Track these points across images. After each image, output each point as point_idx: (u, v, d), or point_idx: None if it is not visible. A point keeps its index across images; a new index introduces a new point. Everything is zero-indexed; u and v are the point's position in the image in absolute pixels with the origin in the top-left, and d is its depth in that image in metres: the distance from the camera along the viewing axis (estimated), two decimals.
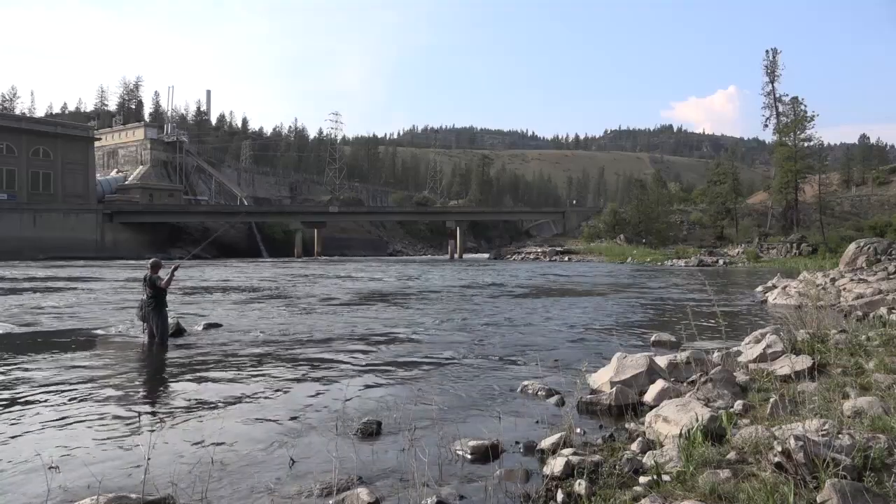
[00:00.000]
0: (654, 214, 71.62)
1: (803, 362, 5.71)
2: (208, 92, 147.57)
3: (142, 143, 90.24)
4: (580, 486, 3.40)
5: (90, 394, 6.46)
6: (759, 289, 19.47)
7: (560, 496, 3.41)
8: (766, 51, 70.39)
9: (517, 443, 4.62)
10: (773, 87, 67.94)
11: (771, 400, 4.54)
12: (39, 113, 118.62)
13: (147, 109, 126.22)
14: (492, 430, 4.65)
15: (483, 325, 12.14)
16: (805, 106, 63.50)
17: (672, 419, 4.33)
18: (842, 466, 2.95)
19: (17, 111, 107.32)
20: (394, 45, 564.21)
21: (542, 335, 10.85)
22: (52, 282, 25.02)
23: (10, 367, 7.80)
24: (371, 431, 4.98)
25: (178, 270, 9.94)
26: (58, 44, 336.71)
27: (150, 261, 9.79)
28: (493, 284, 25.25)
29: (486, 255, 75.71)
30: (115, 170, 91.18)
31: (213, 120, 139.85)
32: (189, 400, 6.22)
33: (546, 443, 4.33)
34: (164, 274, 9.60)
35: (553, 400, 6.02)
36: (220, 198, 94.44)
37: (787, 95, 66.84)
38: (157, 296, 9.41)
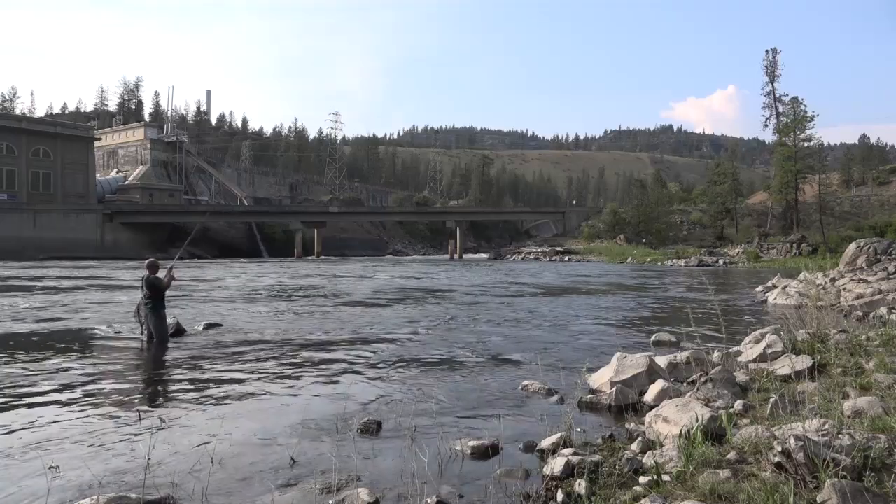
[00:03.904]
0: (654, 214, 71.66)
1: (803, 362, 5.71)
2: (208, 92, 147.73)
3: (142, 143, 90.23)
4: (580, 485, 3.40)
5: (90, 394, 6.46)
6: (759, 289, 19.46)
7: (560, 496, 3.41)
8: (766, 51, 70.53)
9: (517, 442, 4.62)
10: (773, 87, 68.03)
11: (771, 400, 4.54)
12: (39, 113, 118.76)
13: (147, 109, 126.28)
14: (492, 429, 4.66)
15: (483, 325, 12.14)
16: (805, 106, 63.55)
17: (672, 419, 4.33)
18: (842, 466, 2.95)
19: (17, 111, 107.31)
20: (394, 45, 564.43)
21: (543, 334, 10.85)
22: (52, 281, 25.02)
23: (10, 368, 7.80)
24: (371, 431, 4.99)
25: (175, 271, 9.94)
26: (58, 44, 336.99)
27: (147, 261, 9.77)
28: (493, 284, 25.25)
29: (486, 255, 75.66)
30: (115, 170, 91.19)
31: (213, 120, 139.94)
32: (189, 400, 6.22)
33: (546, 442, 4.33)
34: (161, 275, 9.60)
35: (553, 399, 6.02)
36: (220, 198, 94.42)
37: (787, 95, 66.93)
38: (155, 296, 9.40)
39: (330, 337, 10.56)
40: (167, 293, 9.87)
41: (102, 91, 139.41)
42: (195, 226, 56.87)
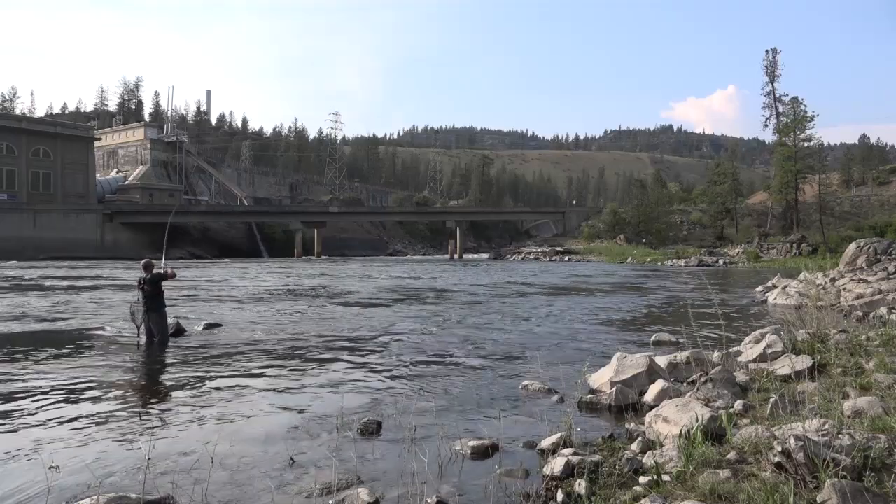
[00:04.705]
0: (654, 214, 71.69)
1: (803, 362, 5.71)
2: (208, 92, 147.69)
3: (142, 143, 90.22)
4: (580, 485, 3.40)
5: (90, 394, 6.46)
6: (760, 289, 19.47)
7: (560, 496, 3.41)
8: (766, 51, 70.48)
9: (517, 442, 4.62)
10: (773, 87, 67.96)
11: (771, 400, 4.54)
12: (39, 113, 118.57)
13: (147, 109, 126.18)
14: (492, 429, 4.66)
15: (483, 325, 12.15)
16: (805, 106, 63.50)
17: (672, 419, 4.33)
18: (842, 466, 2.95)
19: (17, 111, 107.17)
20: (394, 45, 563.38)
21: (542, 335, 10.85)
22: (52, 281, 25.02)
23: (10, 367, 7.80)
24: (371, 431, 4.99)
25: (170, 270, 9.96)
26: (58, 44, 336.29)
27: (143, 262, 9.74)
28: (493, 284, 25.25)
29: (486, 255, 75.70)
30: (115, 170, 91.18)
31: (213, 120, 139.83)
32: (189, 400, 6.22)
33: (546, 442, 4.33)
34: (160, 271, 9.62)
35: (553, 399, 6.03)
36: (220, 198, 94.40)
37: (787, 95, 66.82)
38: (156, 295, 9.41)
39: (330, 337, 10.55)
40: (168, 293, 9.88)
41: (102, 91, 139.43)
42: (197, 226, 56.84)
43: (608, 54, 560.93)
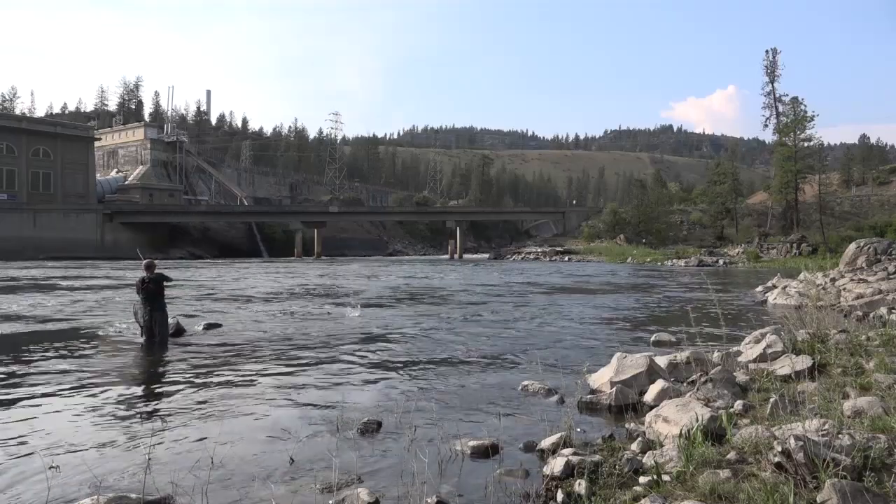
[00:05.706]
0: (654, 214, 71.70)
1: (803, 362, 5.71)
2: (208, 92, 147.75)
3: (142, 143, 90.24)
4: (580, 485, 3.40)
5: (90, 394, 6.46)
6: (759, 289, 19.47)
7: (560, 496, 3.41)
8: (766, 51, 70.48)
9: (517, 442, 4.62)
10: (773, 87, 67.94)
11: (771, 400, 4.54)
12: (39, 113, 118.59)
13: (147, 109, 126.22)
14: (492, 429, 4.65)
15: (483, 325, 12.14)
16: (805, 106, 63.46)
17: (672, 419, 4.33)
18: (842, 466, 2.95)
19: (17, 111, 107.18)
20: (394, 45, 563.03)
21: (543, 335, 10.85)
22: (52, 281, 25.02)
23: (10, 368, 7.80)
24: (371, 431, 4.99)
25: (172, 271, 10.01)
26: (58, 44, 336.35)
27: (145, 262, 9.74)
28: (493, 284, 25.25)
29: (486, 255, 75.66)
30: (115, 170, 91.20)
31: (213, 120, 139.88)
32: (189, 400, 6.22)
33: (546, 442, 4.33)
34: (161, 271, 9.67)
35: (553, 399, 6.03)
36: (220, 198, 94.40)
37: (787, 95, 66.79)
38: (159, 295, 9.44)
39: (330, 337, 10.55)
40: (168, 293, 9.91)
41: (102, 91, 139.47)
42: (197, 226, 56.83)
43: (608, 54, 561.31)
